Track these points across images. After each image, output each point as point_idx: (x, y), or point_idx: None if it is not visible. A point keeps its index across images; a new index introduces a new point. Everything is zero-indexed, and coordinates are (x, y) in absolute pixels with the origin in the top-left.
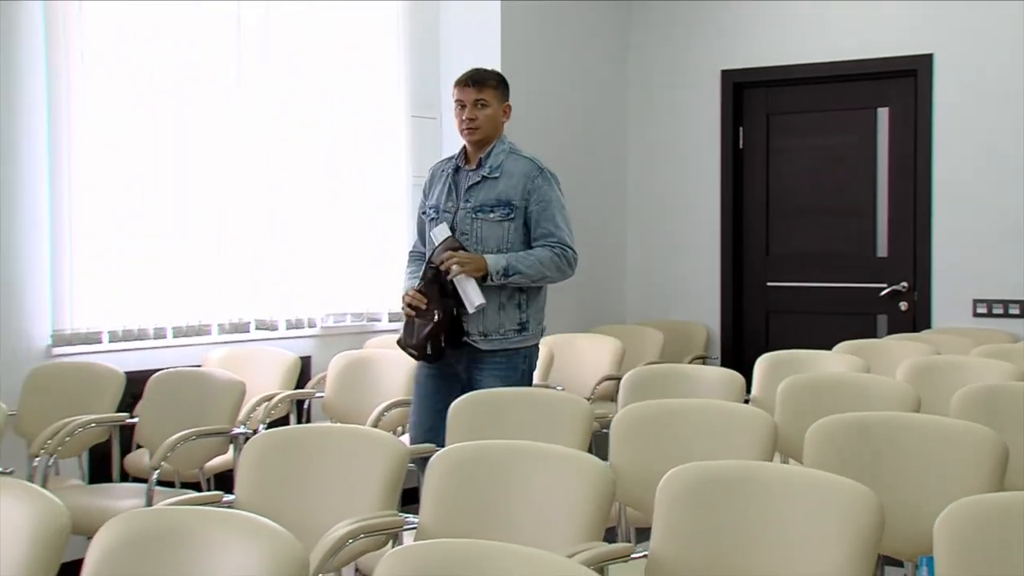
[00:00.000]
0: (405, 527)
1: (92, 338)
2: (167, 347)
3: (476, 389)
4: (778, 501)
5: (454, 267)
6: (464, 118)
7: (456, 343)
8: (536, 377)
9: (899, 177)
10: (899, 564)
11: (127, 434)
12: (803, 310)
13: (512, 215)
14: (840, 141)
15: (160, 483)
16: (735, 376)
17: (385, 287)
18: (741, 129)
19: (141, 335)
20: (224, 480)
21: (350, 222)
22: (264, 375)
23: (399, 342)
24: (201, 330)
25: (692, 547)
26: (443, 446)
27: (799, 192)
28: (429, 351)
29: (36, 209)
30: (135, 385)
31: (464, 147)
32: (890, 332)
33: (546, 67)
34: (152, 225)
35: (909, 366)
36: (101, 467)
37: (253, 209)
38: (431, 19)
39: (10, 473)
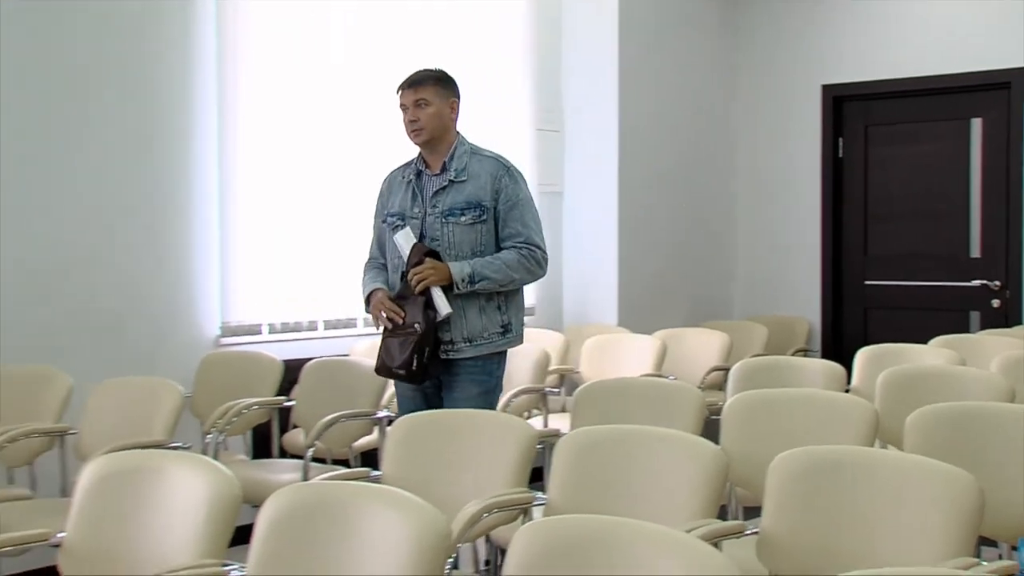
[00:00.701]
0: (534, 503)
1: (254, 330)
2: (318, 338)
3: (452, 395)
4: (882, 484)
5: (422, 283)
6: (407, 121)
7: (436, 356)
8: (649, 367)
9: (992, 183)
10: (994, 544)
11: (285, 415)
12: (899, 307)
13: (484, 216)
14: (935, 149)
15: (314, 459)
16: (836, 367)
17: None
18: (841, 140)
19: (296, 328)
20: (369, 458)
21: None
22: None
23: (377, 369)
24: (348, 323)
25: (800, 525)
26: None
27: (895, 197)
28: (415, 367)
29: (207, 211)
30: (291, 372)
31: (420, 154)
32: (982, 328)
33: (661, 84)
34: (306, 226)
35: (1003, 359)
36: (262, 444)
37: None
38: (554, 41)
39: (187, 448)
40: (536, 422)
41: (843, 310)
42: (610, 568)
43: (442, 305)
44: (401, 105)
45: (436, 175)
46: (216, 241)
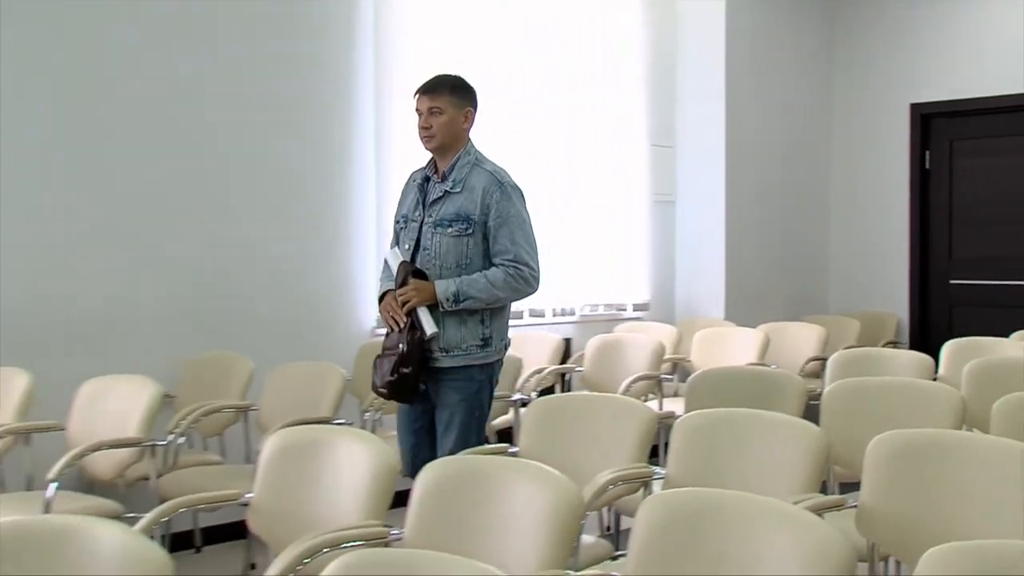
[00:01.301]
0: (654, 477)
1: None
2: None
3: (436, 405)
4: (971, 463)
5: (406, 305)
6: (420, 127)
7: (418, 371)
8: (754, 357)
9: None
10: None
11: None
12: (981, 304)
13: (471, 230)
14: (1016, 161)
15: None
16: (925, 358)
17: (627, 285)
18: (928, 153)
19: None
20: (503, 435)
21: (602, 232)
22: (536, 353)
23: (372, 387)
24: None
25: (896, 500)
26: (425, 462)
27: (978, 204)
28: (397, 386)
29: (366, 220)
30: None
31: (432, 158)
32: None
33: (763, 103)
34: None
35: None
36: None
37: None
38: (669, 67)
39: (349, 424)
40: (652, 405)
41: (929, 307)
42: (726, 535)
43: (428, 325)
44: (416, 109)
45: (438, 182)
46: (372, 245)
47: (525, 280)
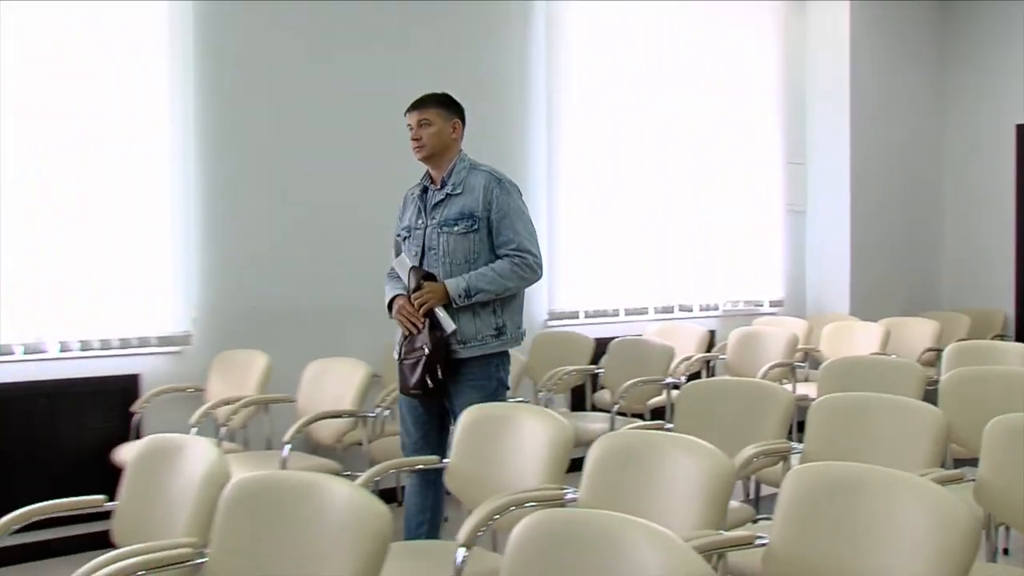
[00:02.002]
0: (792, 451)
1: (573, 315)
2: (620, 322)
3: (453, 403)
4: None
5: (423, 307)
6: (411, 139)
7: (445, 369)
8: (876, 347)
9: None
10: None
11: (595, 380)
12: None
13: (476, 226)
14: None
15: (617, 414)
16: None
17: (764, 283)
18: None
19: (603, 313)
20: (657, 413)
21: (742, 238)
22: (684, 343)
23: (400, 390)
24: (641, 311)
25: (1015, 476)
26: (433, 453)
27: None
28: (431, 385)
29: (537, 213)
30: (601, 347)
31: (427, 170)
32: None
33: (884, 122)
34: (612, 229)
35: None
36: (578, 401)
37: (678, 225)
38: (800, 91)
39: (526, 402)
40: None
41: None
42: (862, 503)
43: (446, 323)
44: (407, 125)
45: (437, 189)
46: (545, 246)
47: (529, 267)
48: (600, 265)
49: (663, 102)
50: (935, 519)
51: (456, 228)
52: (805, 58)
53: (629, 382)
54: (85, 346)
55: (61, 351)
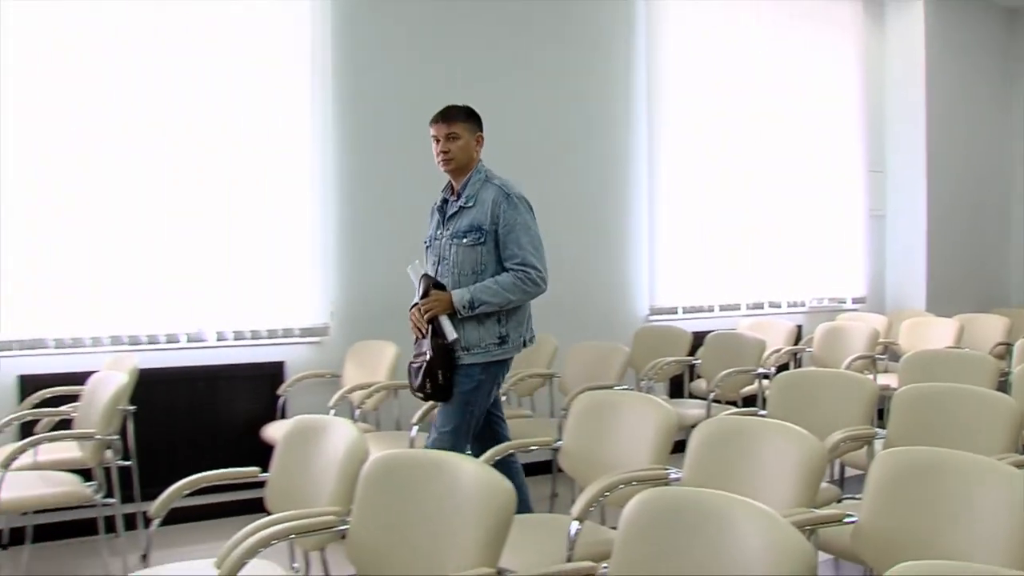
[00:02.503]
0: (876, 437)
1: (671, 310)
2: (714, 317)
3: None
4: None
5: (428, 314)
6: (438, 151)
7: (450, 375)
8: (951, 341)
9: None
10: None
11: (692, 370)
12: None
13: (483, 239)
14: None
15: (713, 401)
16: None
17: (847, 282)
18: None
19: (699, 309)
20: (748, 401)
21: (827, 240)
22: (774, 336)
23: (411, 390)
24: (734, 307)
25: None
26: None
27: None
28: (430, 389)
29: (639, 218)
30: (698, 339)
31: (449, 181)
32: None
33: (958, 131)
34: (707, 231)
35: None
36: (676, 389)
37: (768, 227)
38: (879, 103)
39: (630, 390)
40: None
41: None
42: (945, 484)
43: (449, 331)
44: (433, 136)
45: (455, 200)
46: (645, 246)
47: (533, 281)
48: (696, 264)
49: (754, 110)
50: (1013, 500)
51: (465, 240)
52: (884, 76)
53: (724, 372)
54: (238, 336)
55: (218, 340)
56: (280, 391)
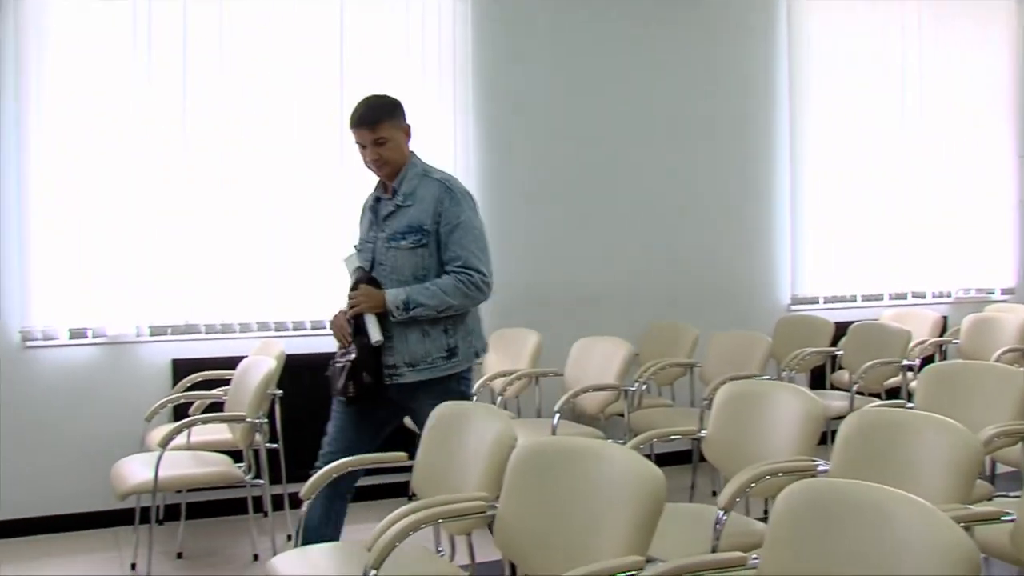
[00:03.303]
0: None
1: (813, 300)
2: (856, 307)
3: (416, 419)
4: None
5: (352, 310)
6: (368, 160)
7: (379, 377)
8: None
9: None
10: None
11: (834, 361)
12: None
13: (424, 241)
14: None
15: (856, 393)
16: None
17: (996, 272)
18: None
19: (840, 299)
20: (891, 393)
21: (975, 229)
22: (919, 327)
23: (333, 392)
24: (877, 297)
25: None
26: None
27: None
28: (352, 392)
29: (781, 207)
30: (840, 330)
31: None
32: None
33: None
34: (849, 220)
35: None
36: (817, 380)
37: (912, 215)
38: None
39: (772, 380)
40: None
41: None
42: None
43: (373, 332)
44: (358, 143)
45: (389, 199)
46: (788, 236)
47: (476, 286)
48: (838, 253)
49: (899, 97)
50: None
51: (403, 242)
52: None
53: (868, 363)
54: None
55: None
56: None
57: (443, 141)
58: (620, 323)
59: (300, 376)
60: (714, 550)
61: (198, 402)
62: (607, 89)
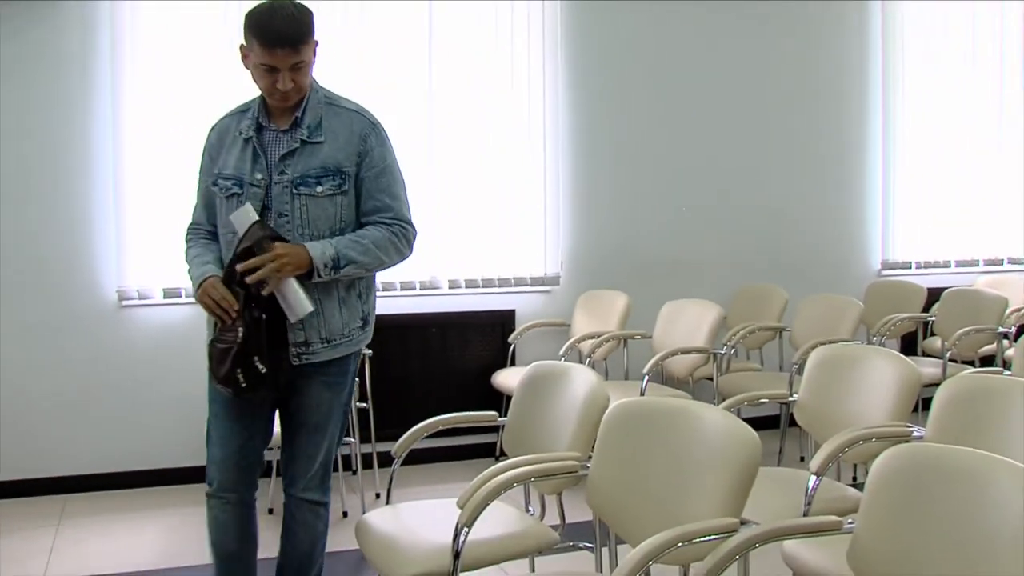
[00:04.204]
0: None
1: (905, 265)
2: (950, 273)
3: (301, 402)
4: None
5: (272, 276)
6: (280, 88)
7: (276, 361)
8: None
9: None
10: None
11: (926, 327)
12: None
13: (345, 186)
14: None
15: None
16: None
17: None
18: None
19: (933, 264)
20: (985, 361)
21: None
22: (1015, 294)
23: (212, 377)
24: (972, 262)
25: None
26: (254, 464)
27: None
28: (243, 383)
29: (872, 167)
30: (933, 296)
31: (261, 99)
32: None
33: None
34: (943, 184)
35: None
36: (907, 347)
37: (1008, 178)
38: None
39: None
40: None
41: None
42: None
43: (302, 303)
44: (265, 66)
45: (284, 131)
46: (880, 200)
47: (407, 241)
48: (932, 218)
49: (996, 56)
50: None
51: (319, 188)
52: None
53: (962, 330)
54: (470, 284)
55: (451, 288)
56: (510, 339)
57: (532, 92)
58: (709, 286)
59: (390, 337)
60: (805, 515)
61: None
62: (700, 55)
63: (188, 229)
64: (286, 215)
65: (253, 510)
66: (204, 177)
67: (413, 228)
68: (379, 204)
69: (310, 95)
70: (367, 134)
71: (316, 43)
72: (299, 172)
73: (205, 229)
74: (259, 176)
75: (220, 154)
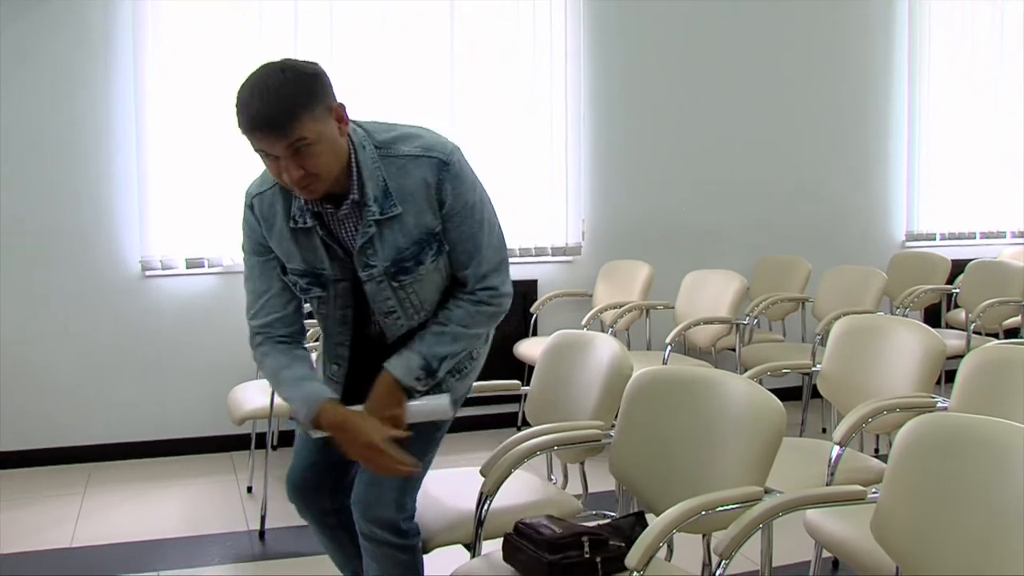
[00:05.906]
0: None
1: (930, 236)
2: (975, 245)
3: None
4: None
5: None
6: (290, 179)
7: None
8: None
9: None
10: None
11: (950, 299)
12: None
13: (444, 246)
14: None
15: (974, 332)
16: None
17: None
18: None
19: (958, 236)
20: (1009, 333)
21: None
22: None
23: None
24: (998, 234)
25: None
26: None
27: None
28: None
29: (897, 140)
30: (957, 268)
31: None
32: None
33: None
34: (969, 154)
35: None
36: (932, 318)
37: None
38: None
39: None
40: None
41: None
42: None
43: (435, 413)
44: (259, 151)
45: (347, 214)
46: (904, 170)
47: (500, 307)
48: (957, 188)
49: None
50: None
51: (422, 269)
52: None
53: (987, 302)
54: None
55: None
56: (532, 309)
57: (555, 61)
58: (732, 256)
59: None
60: (829, 484)
61: (312, 329)
62: (725, 24)
63: (253, 331)
64: (394, 311)
65: (336, 530)
66: (253, 259)
67: (499, 289)
68: (462, 259)
69: (358, 158)
70: (441, 179)
71: (336, 106)
72: (389, 259)
73: (278, 333)
74: (336, 271)
75: (272, 238)
